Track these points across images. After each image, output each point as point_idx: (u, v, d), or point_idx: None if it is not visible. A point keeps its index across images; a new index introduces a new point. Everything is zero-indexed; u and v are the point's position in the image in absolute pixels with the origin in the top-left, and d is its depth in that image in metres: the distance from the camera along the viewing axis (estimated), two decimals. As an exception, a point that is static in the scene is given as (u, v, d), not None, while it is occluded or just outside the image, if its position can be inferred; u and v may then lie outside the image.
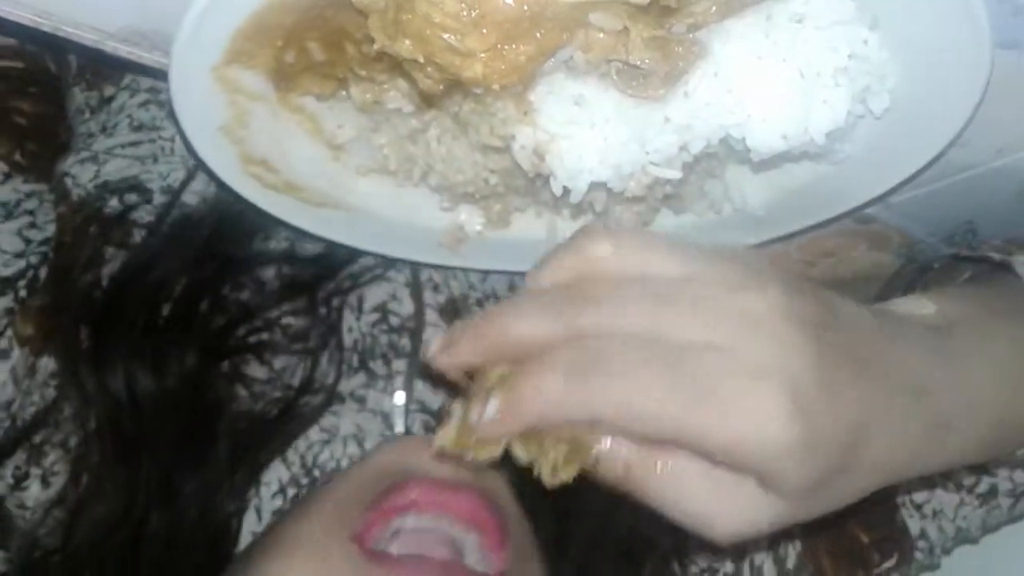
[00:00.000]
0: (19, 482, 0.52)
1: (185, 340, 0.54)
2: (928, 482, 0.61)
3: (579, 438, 0.36)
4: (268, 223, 0.56)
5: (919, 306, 0.44)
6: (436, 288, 0.60)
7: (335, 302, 0.58)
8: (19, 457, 0.52)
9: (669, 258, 0.36)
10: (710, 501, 0.36)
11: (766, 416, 0.34)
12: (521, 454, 0.37)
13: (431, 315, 0.59)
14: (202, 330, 0.55)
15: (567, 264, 0.37)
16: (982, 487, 0.61)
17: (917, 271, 0.57)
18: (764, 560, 0.59)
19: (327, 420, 0.55)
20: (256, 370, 0.56)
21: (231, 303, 0.56)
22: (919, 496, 0.61)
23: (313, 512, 0.47)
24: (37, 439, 0.52)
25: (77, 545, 0.50)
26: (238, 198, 0.51)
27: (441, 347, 0.37)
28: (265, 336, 0.56)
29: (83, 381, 0.52)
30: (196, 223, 0.56)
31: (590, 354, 0.34)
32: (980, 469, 0.61)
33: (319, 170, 0.52)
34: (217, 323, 0.55)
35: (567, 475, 0.37)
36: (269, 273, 0.58)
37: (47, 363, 0.53)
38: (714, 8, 0.40)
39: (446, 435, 0.38)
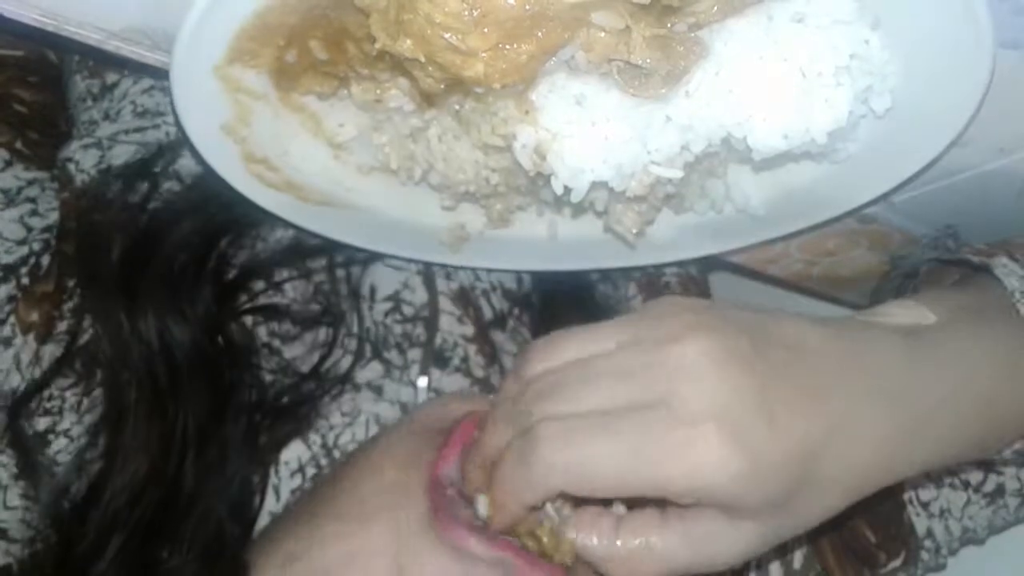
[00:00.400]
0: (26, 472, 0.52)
1: (198, 290, 0.54)
2: (935, 480, 0.61)
3: (553, 527, 0.42)
4: None
5: (916, 313, 0.46)
6: (449, 276, 0.60)
7: (353, 275, 0.58)
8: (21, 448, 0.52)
9: (599, 339, 0.41)
10: (697, 551, 0.41)
11: (707, 458, 0.38)
12: (529, 544, 0.43)
13: (445, 303, 0.59)
14: (215, 280, 0.55)
15: (512, 387, 0.43)
16: (989, 486, 0.61)
17: (905, 276, 0.57)
18: (771, 559, 0.59)
19: (347, 405, 0.56)
20: (269, 361, 0.56)
21: (246, 256, 0.56)
22: (925, 494, 0.61)
23: (377, 470, 0.48)
24: (42, 427, 0.52)
25: (109, 501, 0.49)
26: (240, 197, 0.51)
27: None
28: (277, 298, 0.56)
29: (120, 324, 0.51)
30: (210, 182, 0.56)
31: (531, 439, 0.40)
32: (987, 467, 0.61)
33: (320, 169, 0.52)
34: (230, 274, 0.55)
35: (564, 559, 0.43)
36: (287, 232, 0.57)
37: (51, 350, 0.53)
38: (716, 7, 0.40)
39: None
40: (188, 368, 0.52)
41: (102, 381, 0.52)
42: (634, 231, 0.54)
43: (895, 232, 0.60)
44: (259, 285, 0.56)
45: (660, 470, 0.38)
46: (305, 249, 0.57)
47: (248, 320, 0.56)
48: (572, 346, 0.42)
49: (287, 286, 0.57)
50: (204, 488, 0.50)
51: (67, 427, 0.52)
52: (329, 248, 0.58)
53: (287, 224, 0.57)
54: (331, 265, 0.58)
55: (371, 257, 0.59)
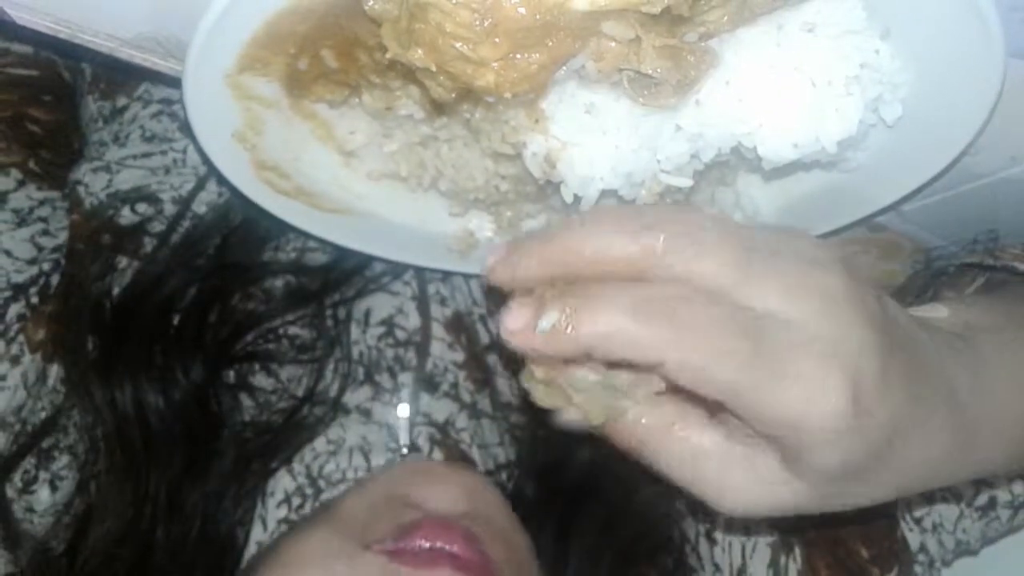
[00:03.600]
0: (28, 486, 0.53)
1: (192, 352, 0.54)
2: (927, 495, 0.60)
3: (599, 389, 0.36)
4: (276, 233, 0.56)
5: (933, 312, 0.44)
6: (443, 302, 0.60)
7: (341, 312, 0.58)
8: (28, 461, 0.53)
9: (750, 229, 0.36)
10: (723, 473, 0.37)
11: (826, 394, 0.34)
12: (543, 398, 0.37)
13: (437, 329, 0.59)
14: (210, 340, 0.55)
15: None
16: (981, 499, 0.60)
17: (930, 277, 0.56)
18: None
19: (333, 432, 0.56)
20: (262, 381, 0.56)
21: (239, 312, 0.56)
22: (918, 510, 0.60)
23: (321, 528, 0.48)
24: (46, 443, 0.53)
25: (86, 559, 0.50)
26: (250, 204, 0.52)
27: (502, 258, 0.35)
28: (271, 345, 0.57)
29: (92, 394, 0.52)
30: (205, 234, 0.56)
31: (664, 298, 0.33)
32: (979, 481, 0.60)
33: (331, 176, 0.53)
34: (224, 332, 0.56)
35: (596, 420, 0.37)
36: (277, 283, 0.58)
37: (58, 369, 0.53)
38: (726, 17, 0.40)
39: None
40: (163, 432, 0.52)
41: (78, 444, 0.53)
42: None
43: (905, 241, 0.60)
44: (259, 332, 0.57)
45: (771, 391, 0.33)
46: (305, 294, 0.58)
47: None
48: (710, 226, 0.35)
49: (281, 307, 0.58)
50: (182, 544, 0.51)
51: (71, 443, 0.53)
52: (324, 291, 0.58)
53: (288, 265, 0.57)
54: (321, 308, 0.58)
55: (363, 291, 0.59)
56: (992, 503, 0.61)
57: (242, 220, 0.56)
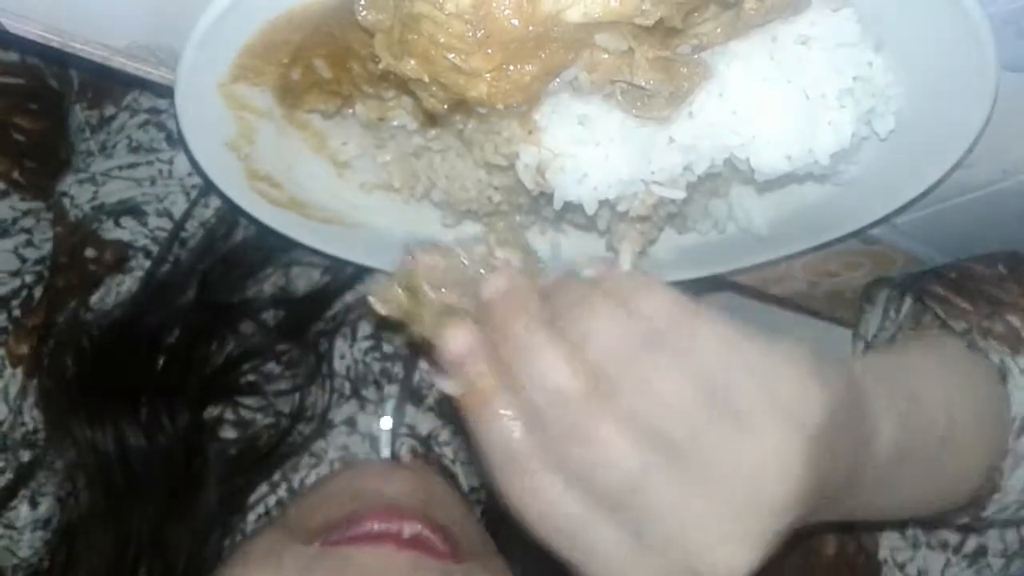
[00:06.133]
0: (6, 501, 0.52)
1: (177, 394, 0.53)
2: (912, 542, 0.58)
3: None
4: (258, 267, 0.56)
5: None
6: None
7: (324, 344, 0.58)
8: (5, 477, 0.52)
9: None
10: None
11: None
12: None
13: None
14: (194, 382, 0.54)
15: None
16: (969, 547, 0.58)
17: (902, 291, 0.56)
18: None
19: (316, 445, 0.55)
20: (245, 412, 0.56)
21: (223, 352, 0.56)
22: (901, 556, 0.58)
23: (270, 528, 0.48)
24: (25, 458, 0.52)
25: None
26: (242, 214, 0.52)
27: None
28: (255, 378, 0.57)
29: (75, 436, 0.51)
30: (186, 272, 0.56)
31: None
32: (967, 529, 0.57)
33: (324, 186, 0.53)
34: (208, 372, 0.55)
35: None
36: (261, 318, 0.58)
37: (38, 384, 0.53)
38: (720, 29, 0.40)
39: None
40: (146, 472, 0.52)
41: (57, 488, 0.53)
42: (636, 250, 0.54)
43: (898, 253, 0.60)
44: (244, 368, 0.57)
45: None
46: (289, 327, 0.57)
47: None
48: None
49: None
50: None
51: (51, 461, 0.52)
52: (309, 322, 0.58)
53: (271, 299, 0.57)
54: (304, 339, 0.58)
55: (350, 316, 0.59)
56: (982, 551, 0.58)
57: (223, 255, 0.56)
